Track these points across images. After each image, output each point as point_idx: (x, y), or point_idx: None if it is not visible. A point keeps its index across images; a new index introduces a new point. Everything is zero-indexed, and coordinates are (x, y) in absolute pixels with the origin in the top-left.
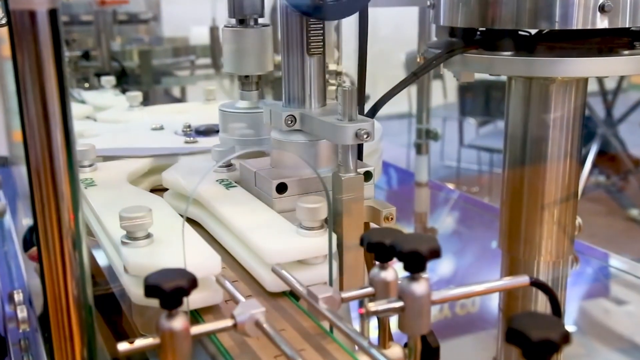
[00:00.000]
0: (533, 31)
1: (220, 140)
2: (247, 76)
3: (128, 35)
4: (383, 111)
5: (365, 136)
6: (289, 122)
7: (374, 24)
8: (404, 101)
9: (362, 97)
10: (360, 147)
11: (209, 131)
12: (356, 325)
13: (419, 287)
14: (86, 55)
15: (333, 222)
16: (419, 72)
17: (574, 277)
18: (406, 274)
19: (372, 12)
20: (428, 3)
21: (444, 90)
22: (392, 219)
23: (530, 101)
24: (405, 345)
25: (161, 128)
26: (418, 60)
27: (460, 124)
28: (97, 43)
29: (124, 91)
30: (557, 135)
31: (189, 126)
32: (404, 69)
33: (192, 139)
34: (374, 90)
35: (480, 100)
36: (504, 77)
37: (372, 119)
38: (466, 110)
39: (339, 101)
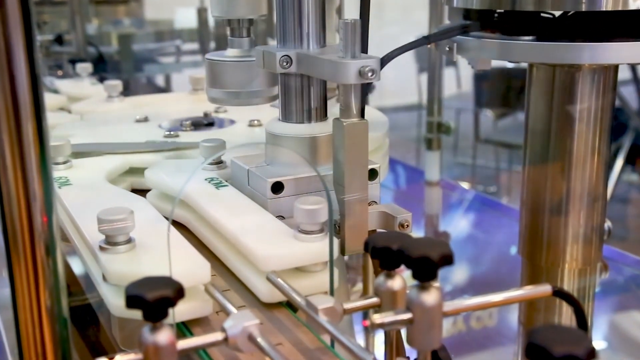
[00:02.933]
0: (557, 13)
1: (207, 94)
2: (237, 20)
3: (106, 17)
4: (390, 102)
5: (370, 74)
6: (284, 63)
7: (380, 6)
8: (414, 91)
9: (365, 33)
10: (364, 92)
11: (197, 124)
12: (360, 339)
13: (429, 297)
14: (59, 40)
15: (334, 225)
16: (432, 37)
17: (602, 287)
18: (415, 282)
19: None
20: None
21: (457, 79)
22: (407, 226)
23: (554, 91)
24: None
25: (145, 120)
26: (428, 45)
27: (476, 117)
28: (72, 26)
29: (101, 80)
30: (584, 128)
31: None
32: (413, 55)
33: (173, 132)
34: (382, 77)
35: (498, 90)
36: (524, 65)
37: (378, 57)
38: (482, 101)
39: (340, 36)
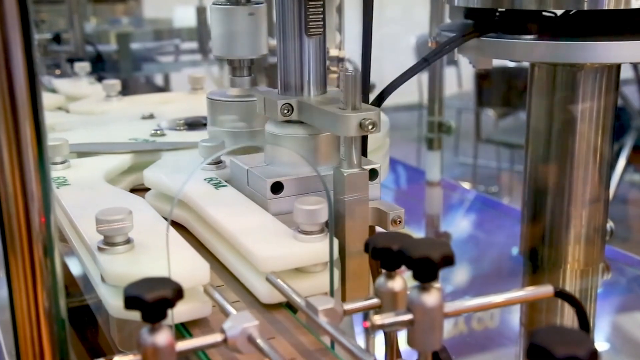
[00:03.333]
0: (559, 12)
1: (208, 132)
2: (238, 60)
3: (104, 15)
4: (390, 102)
5: (370, 127)
6: (285, 111)
7: (380, 4)
8: (414, 91)
9: (366, 85)
10: (364, 141)
11: (196, 124)
12: (360, 341)
13: (430, 298)
14: (57, 39)
15: (334, 226)
16: (430, 58)
17: (605, 288)
18: (416, 283)
19: None
20: None
21: (458, 79)
22: (400, 222)
23: (556, 90)
24: None
25: (151, 117)
26: (429, 44)
27: (477, 116)
28: (70, 24)
29: (100, 79)
30: (586, 128)
31: (182, 122)
32: (414, 55)
33: (159, 131)
34: (380, 78)
35: (499, 90)
36: (526, 64)
37: (378, 109)
38: (484, 100)
39: (341, 88)
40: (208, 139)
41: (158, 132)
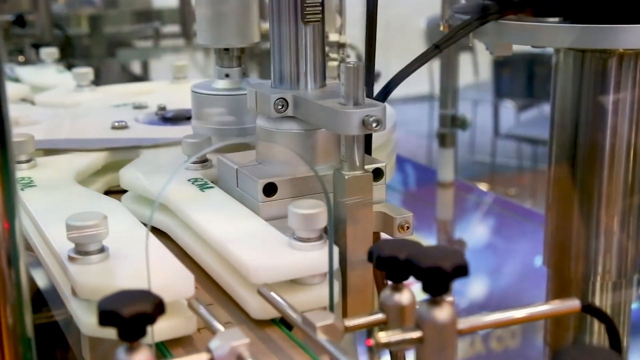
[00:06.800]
0: None
1: (192, 129)
2: (226, 49)
3: None
4: (398, 92)
5: (374, 124)
6: (280, 106)
7: None
8: (425, 80)
9: (371, 75)
10: (368, 138)
11: (178, 118)
12: None
13: (441, 313)
14: (20, 21)
15: (334, 232)
16: (442, 44)
17: None
18: (426, 296)
19: None
20: None
21: (474, 66)
22: (408, 228)
23: (584, 79)
24: None
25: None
26: (442, 28)
27: (496, 109)
28: (34, 5)
29: (69, 67)
30: (618, 121)
31: (164, 107)
32: (424, 40)
33: (121, 124)
34: (387, 66)
35: (520, 79)
36: (550, 50)
37: (384, 103)
38: (503, 91)
39: (341, 81)
40: (192, 134)
41: (117, 124)
